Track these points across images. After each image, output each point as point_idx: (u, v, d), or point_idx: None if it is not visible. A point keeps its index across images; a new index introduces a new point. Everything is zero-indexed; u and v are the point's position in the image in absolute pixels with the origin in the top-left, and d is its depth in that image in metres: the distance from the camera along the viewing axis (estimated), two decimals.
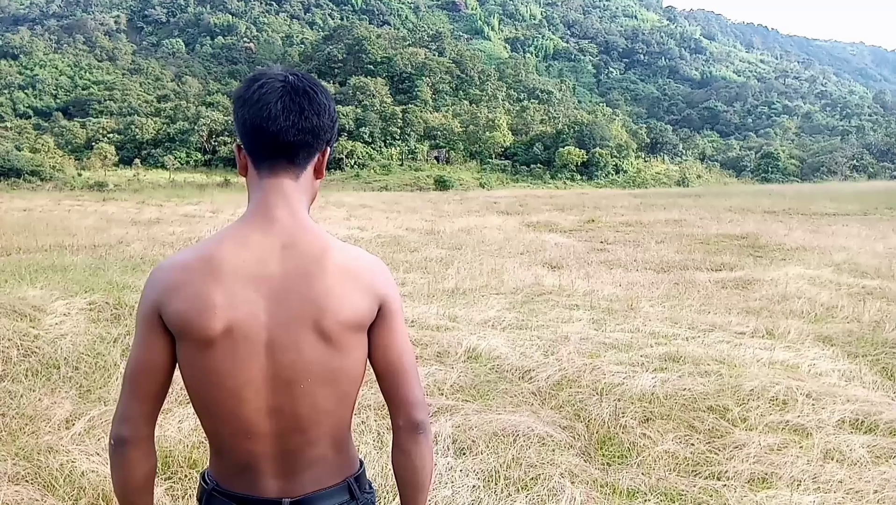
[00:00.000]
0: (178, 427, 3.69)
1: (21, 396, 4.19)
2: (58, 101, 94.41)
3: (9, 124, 77.93)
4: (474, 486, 3.17)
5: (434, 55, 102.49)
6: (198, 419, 1.27)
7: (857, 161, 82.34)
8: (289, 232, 1.17)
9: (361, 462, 1.31)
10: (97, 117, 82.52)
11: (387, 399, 1.25)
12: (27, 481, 3.10)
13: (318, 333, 1.14)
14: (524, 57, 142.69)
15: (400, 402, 1.22)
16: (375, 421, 3.82)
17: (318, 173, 1.25)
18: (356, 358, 1.19)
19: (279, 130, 1.15)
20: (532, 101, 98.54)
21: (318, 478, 1.22)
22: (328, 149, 1.25)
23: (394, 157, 75.11)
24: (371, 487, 1.32)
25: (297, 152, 1.19)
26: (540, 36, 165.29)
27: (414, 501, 1.26)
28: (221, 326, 1.12)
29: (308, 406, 1.16)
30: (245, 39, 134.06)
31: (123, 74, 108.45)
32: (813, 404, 4.19)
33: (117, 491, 1.21)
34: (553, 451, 3.59)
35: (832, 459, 3.49)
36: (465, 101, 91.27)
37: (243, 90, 1.18)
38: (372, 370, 1.25)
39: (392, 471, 1.29)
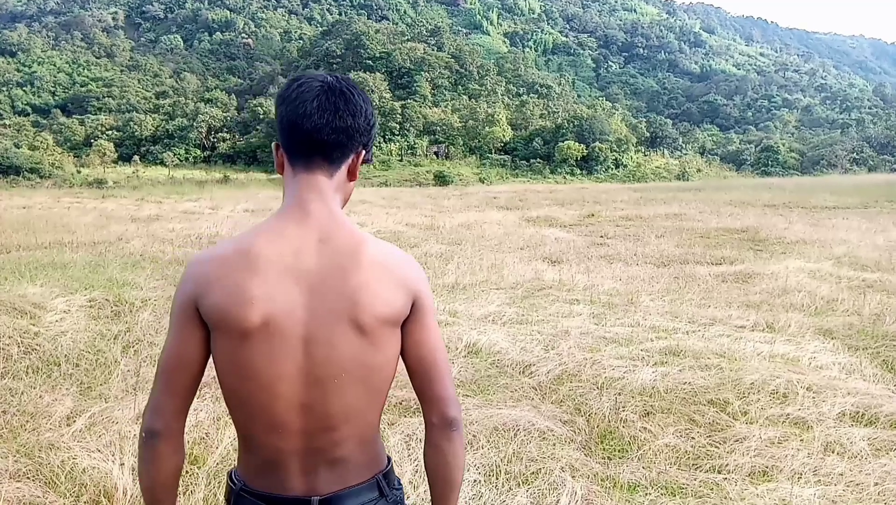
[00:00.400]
0: None
1: (22, 393, 4.19)
2: (56, 98, 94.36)
3: (7, 122, 77.86)
4: (475, 480, 3.18)
5: (433, 50, 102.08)
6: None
7: (857, 154, 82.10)
8: (324, 226, 1.18)
9: (389, 459, 1.31)
10: (96, 114, 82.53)
11: (419, 396, 1.25)
12: (28, 478, 3.10)
13: (354, 327, 1.15)
14: (523, 51, 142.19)
15: (433, 398, 1.23)
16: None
17: (351, 175, 1.25)
18: (389, 354, 1.20)
19: (314, 128, 1.17)
20: (531, 95, 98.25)
21: (347, 475, 1.21)
22: (363, 151, 1.25)
23: (393, 152, 74.95)
24: (399, 484, 1.32)
25: (332, 151, 1.20)
26: (539, 30, 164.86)
27: (446, 498, 1.27)
28: (259, 318, 1.12)
29: (339, 404, 1.17)
30: (243, 35, 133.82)
31: (122, 71, 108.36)
32: (813, 397, 4.20)
33: (144, 484, 1.21)
34: (554, 445, 3.60)
35: (833, 452, 3.50)
36: (465, 96, 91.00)
37: (284, 89, 1.21)
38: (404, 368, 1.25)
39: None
